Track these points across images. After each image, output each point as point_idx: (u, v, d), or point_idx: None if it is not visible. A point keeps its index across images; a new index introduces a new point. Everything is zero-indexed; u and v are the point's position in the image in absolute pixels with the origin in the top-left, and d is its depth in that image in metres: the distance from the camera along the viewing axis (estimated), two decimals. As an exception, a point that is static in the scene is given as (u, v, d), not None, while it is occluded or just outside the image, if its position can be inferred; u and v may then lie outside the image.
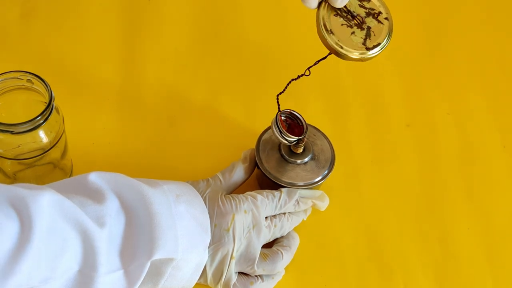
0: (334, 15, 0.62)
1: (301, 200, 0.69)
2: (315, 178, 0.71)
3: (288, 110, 0.71)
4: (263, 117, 0.79)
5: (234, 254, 0.64)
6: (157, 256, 0.59)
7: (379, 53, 0.63)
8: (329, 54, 0.63)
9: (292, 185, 0.70)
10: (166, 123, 0.79)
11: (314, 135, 0.73)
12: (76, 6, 0.87)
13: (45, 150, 0.66)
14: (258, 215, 0.66)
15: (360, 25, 0.63)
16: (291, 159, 0.71)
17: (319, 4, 0.62)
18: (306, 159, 0.71)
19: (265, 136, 0.73)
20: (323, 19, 0.62)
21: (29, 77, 0.64)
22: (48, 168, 0.70)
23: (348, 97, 0.83)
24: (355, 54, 0.62)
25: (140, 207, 0.60)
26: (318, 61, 0.65)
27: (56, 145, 0.67)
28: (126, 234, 0.59)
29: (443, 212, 0.75)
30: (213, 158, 0.76)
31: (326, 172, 0.71)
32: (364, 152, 0.78)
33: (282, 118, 0.71)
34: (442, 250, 0.73)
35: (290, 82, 0.67)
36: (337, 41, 0.62)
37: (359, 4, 0.63)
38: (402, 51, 0.88)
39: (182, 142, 0.78)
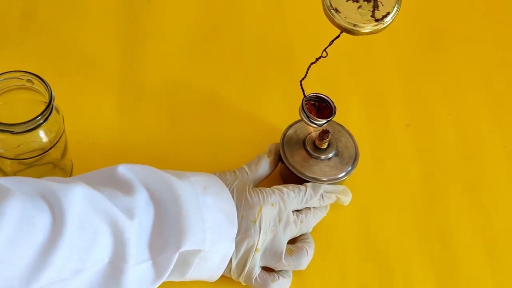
0: None
1: (325, 194, 0.70)
2: (339, 174, 0.71)
3: (314, 94, 0.71)
4: (267, 112, 0.80)
5: (259, 247, 0.65)
6: (185, 247, 0.60)
7: (390, 23, 0.61)
8: (341, 32, 0.62)
9: (316, 180, 0.71)
10: (167, 122, 0.79)
11: (339, 132, 0.74)
12: (76, 7, 0.87)
13: (45, 150, 0.66)
14: (284, 209, 0.67)
15: None
16: (316, 155, 0.72)
17: None
18: (330, 155, 0.72)
19: (290, 131, 0.74)
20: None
21: (29, 77, 0.64)
22: (48, 168, 0.70)
23: (348, 97, 0.83)
24: (366, 28, 0.60)
25: (168, 198, 0.61)
26: (332, 41, 0.63)
27: (56, 145, 0.67)
28: (155, 226, 0.60)
29: (443, 212, 0.75)
30: (217, 156, 0.76)
31: (349, 168, 0.72)
32: (364, 152, 0.77)
33: (311, 102, 0.71)
34: (442, 250, 0.73)
35: (310, 66, 0.66)
36: (344, 18, 0.60)
37: None
38: (402, 51, 0.88)
39: (184, 142, 0.77)
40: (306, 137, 0.73)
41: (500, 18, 0.93)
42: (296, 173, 0.71)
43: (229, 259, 0.64)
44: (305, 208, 0.69)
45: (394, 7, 0.61)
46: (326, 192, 0.70)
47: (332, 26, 0.62)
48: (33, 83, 0.64)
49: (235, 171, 0.69)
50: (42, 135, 0.65)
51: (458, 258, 0.72)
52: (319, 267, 0.71)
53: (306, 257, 0.68)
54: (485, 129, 0.82)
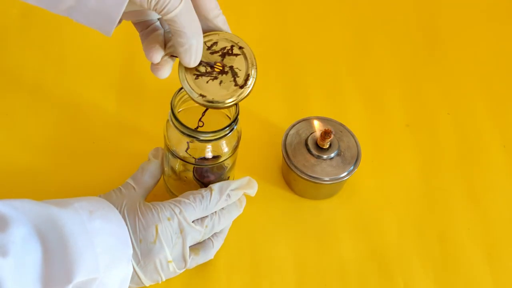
0: (195, 78, 0.61)
1: (231, 193, 0.67)
2: (341, 174, 0.72)
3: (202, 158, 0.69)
4: (267, 112, 0.80)
5: (170, 258, 0.63)
6: (78, 278, 0.57)
7: (255, 79, 0.61)
8: (207, 108, 0.63)
9: (318, 180, 0.71)
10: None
11: (341, 132, 0.74)
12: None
13: (216, 162, 0.67)
14: (183, 220, 0.64)
15: (222, 71, 0.61)
16: (318, 154, 0.72)
17: (180, 73, 0.61)
18: (332, 155, 0.72)
19: (292, 131, 0.74)
20: (189, 88, 0.61)
21: None
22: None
23: (348, 97, 0.83)
24: (234, 99, 0.61)
25: (52, 230, 0.58)
26: (203, 113, 0.64)
27: (225, 161, 0.68)
28: (45, 260, 0.57)
29: (443, 212, 0.76)
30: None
31: (351, 168, 0.72)
32: (364, 152, 0.77)
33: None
34: (442, 250, 0.73)
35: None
36: (211, 99, 0.60)
37: (210, 52, 0.61)
38: (402, 51, 0.89)
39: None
40: (308, 136, 0.73)
41: (500, 18, 0.93)
42: (298, 173, 0.71)
43: (129, 280, 0.62)
44: (212, 213, 0.67)
45: (250, 68, 0.61)
46: (232, 190, 0.67)
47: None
48: None
49: (120, 188, 0.66)
50: (223, 146, 0.66)
51: (458, 258, 0.72)
52: (319, 267, 0.71)
53: (212, 249, 0.66)
54: (485, 129, 0.82)
